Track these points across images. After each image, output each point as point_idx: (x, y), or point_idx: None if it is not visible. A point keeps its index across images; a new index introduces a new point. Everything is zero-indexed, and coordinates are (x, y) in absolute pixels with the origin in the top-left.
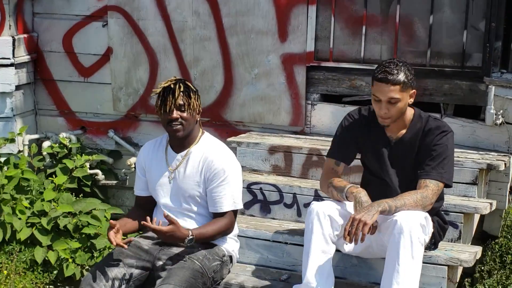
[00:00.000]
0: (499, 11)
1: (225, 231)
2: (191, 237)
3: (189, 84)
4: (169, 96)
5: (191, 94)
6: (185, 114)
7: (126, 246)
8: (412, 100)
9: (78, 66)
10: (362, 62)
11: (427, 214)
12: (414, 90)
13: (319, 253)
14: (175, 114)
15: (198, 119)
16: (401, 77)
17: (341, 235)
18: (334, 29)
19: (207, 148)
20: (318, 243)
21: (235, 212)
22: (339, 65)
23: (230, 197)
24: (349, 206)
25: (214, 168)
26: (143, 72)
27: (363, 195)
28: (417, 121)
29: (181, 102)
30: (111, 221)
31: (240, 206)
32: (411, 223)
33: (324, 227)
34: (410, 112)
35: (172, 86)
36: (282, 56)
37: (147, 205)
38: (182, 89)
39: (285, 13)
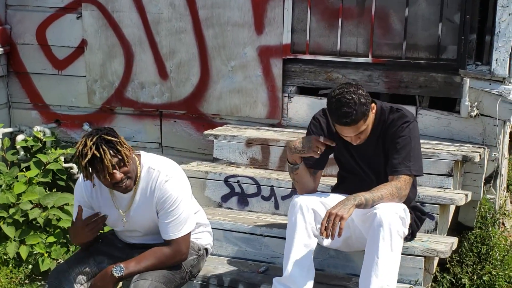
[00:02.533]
0: (474, 3)
1: (174, 260)
2: (118, 267)
3: (107, 136)
4: (98, 164)
5: (118, 147)
6: (126, 168)
7: None
8: (374, 113)
9: (52, 58)
10: (339, 54)
11: (405, 206)
12: (372, 105)
13: (301, 246)
14: (118, 175)
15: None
16: (359, 113)
17: None
18: (310, 22)
19: (152, 178)
20: (300, 237)
21: (184, 238)
22: (315, 57)
23: (178, 224)
24: (331, 199)
25: (160, 197)
26: (118, 64)
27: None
28: (380, 115)
29: (116, 161)
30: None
31: (192, 226)
32: (391, 216)
33: (307, 220)
34: (372, 114)
35: (96, 153)
36: (258, 48)
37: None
38: (108, 151)
39: (261, 5)
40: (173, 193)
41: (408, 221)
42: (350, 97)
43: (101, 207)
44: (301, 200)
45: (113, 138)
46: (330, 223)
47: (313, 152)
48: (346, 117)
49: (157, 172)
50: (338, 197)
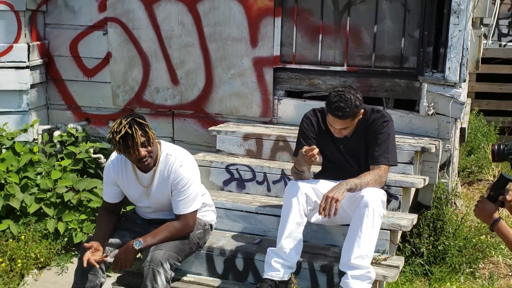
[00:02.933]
0: (430, 21)
1: (184, 232)
2: (138, 241)
3: (140, 119)
4: (130, 141)
5: (147, 129)
6: (150, 148)
7: (97, 266)
8: (360, 116)
9: (83, 68)
10: (319, 64)
11: (385, 192)
12: (362, 111)
13: (294, 224)
14: (143, 152)
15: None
16: (351, 111)
17: (314, 210)
18: (296, 37)
19: (169, 162)
20: (294, 216)
21: (191, 214)
22: (300, 66)
23: (187, 202)
24: (321, 185)
25: (174, 178)
26: (138, 72)
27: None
28: (363, 115)
29: (143, 140)
30: (85, 244)
31: (199, 205)
32: (375, 200)
33: (300, 203)
34: None
35: (129, 130)
36: (253, 59)
37: (115, 210)
38: (138, 127)
39: (256, 24)
40: (185, 176)
41: (385, 204)
42: (349, 97)
43: (126, 185)
44: (296, 186)
45: (143, 121)
46: (327, 205)
47: (312, 162)
48: (340, 111)
49: (174, 158)
50: (326, 183)
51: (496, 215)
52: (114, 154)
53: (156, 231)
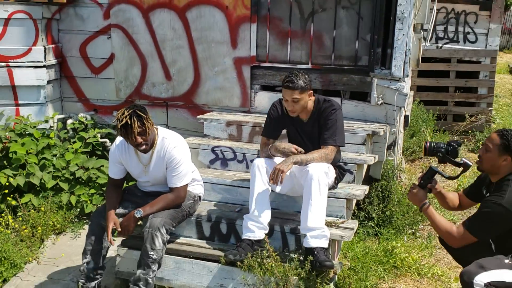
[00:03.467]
0: (380, 27)
1: (176, 202)
2: (139, 211)
3: (140, 112)
4: (128, 129)
5: (144, 121)
6: (145, 137)
7: (111, 238)
8: (312, 98)
9: (91, 66)
10: (288, 63)
11: (330, 165)
12: (311, 91)
13: (259, 192)
14: (139, 140)
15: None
16: (300, 84)
17: None
18: (269, 40)
19: (164, 144)
20: (259, 186)
21: (183, 187)
22: (273, 65)
23: (180, 177)
24: (277, 160)
25: (168, 158)
26: (137, 70)
27: (284, 146)
28: (317, 105)
29: (140, 130)
30: (114, 223)
31: (189, 180)
32: (319, 172)
33: (262, 175)
34: (311, 101)
35: (128, 121)
36: (233, 59)
37: (119, 184)
38: (136, 122)
39: (235, 29)
40: (178, 156)
41: (332, 175)
42: (297, 74)
43: (128, 163)
44: (258, 161)
45: (142, 114)
46: (275, 175)
47: (285, 156)
48: (289, 82)
49: (169, 141)
50: (280, 159)
51: (425, 200)
52: (118, 138)
53: (153, 202)
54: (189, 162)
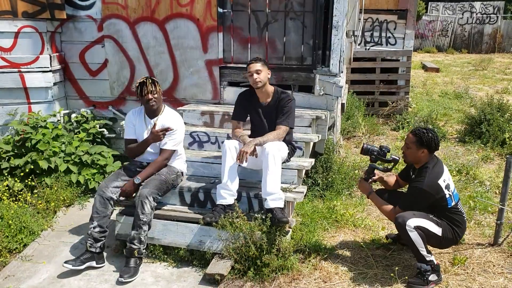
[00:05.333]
0: (320, 33)
1: (163, 163)
2: (137, 178)
3: (154, 79)
4: (144, 87)
5: (156, 85)
6: (155, 95)
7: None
8: (269, 75)
9: (89, 70)
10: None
11: (282, 143)
12: (269, 71)
13: (229, 166)
14: (150, 96)
15: (162, 98)
16: (259, 62)
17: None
18: (233, 46)
19: (166, 115)
20: (229, 161)
21: (170, 151)
22: (237, 65)
23: (172, 142)
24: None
25: (169, 125)
26: (126, 72)
27: (246, 137)
28: (275, 94)
29: (152, 89)
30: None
31: (177, 147)
32: (273, 148)
33: (232, 152)
34: (271, 89)
35: (145, 81)
36: (205, 61)
37: (133, 143)
38: (151, 81)
39: (206, 37)
40: (175, 126)
41: (284, 150)
42: (260, 57)
43: (137, 124)
44: (228, 142)
45: (155, 80)
46: (240, 155)
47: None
48: (253, 59)
49: (171, 113)
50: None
51: (370, 190)
52: (132, 110)
53: (146, 169)
54: (183, 135)
